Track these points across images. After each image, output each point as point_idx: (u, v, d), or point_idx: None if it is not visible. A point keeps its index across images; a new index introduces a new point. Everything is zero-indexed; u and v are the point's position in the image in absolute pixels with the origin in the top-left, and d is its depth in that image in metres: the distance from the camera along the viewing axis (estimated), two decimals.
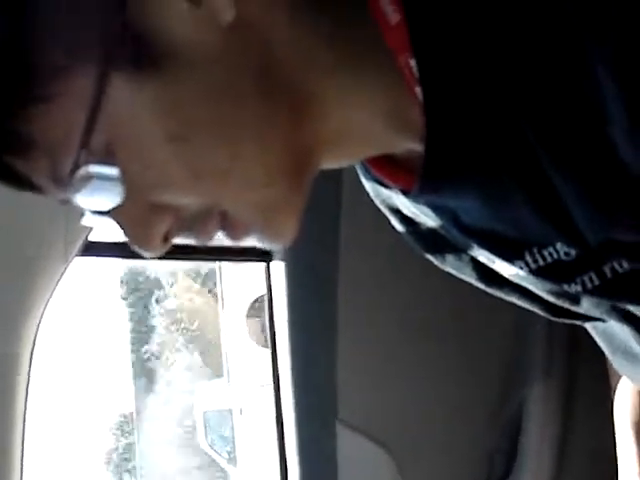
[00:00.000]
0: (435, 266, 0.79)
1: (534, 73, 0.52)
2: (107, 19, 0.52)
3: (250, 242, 0.65)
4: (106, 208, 0.57)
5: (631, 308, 0.67)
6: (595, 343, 0.81)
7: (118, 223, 0.59)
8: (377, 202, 0.76)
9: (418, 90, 0.55)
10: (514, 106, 0.53)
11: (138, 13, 0.52)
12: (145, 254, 0.60)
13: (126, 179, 0.55)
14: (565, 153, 0.54)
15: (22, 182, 0.59)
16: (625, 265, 0.62)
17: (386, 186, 0.71)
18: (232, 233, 0.60)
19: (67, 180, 0.55)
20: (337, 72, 0.57)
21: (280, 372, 1.50)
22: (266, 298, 1.55)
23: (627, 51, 0.48)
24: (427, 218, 0.71)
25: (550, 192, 0.56)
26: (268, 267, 1.55)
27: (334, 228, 1.44)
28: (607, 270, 0.62)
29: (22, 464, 1.11)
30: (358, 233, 1.43)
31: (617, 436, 1.19)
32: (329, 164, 0.62)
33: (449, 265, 0.75)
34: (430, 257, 0.77)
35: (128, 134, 0.54)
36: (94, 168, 0.54)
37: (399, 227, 0.77)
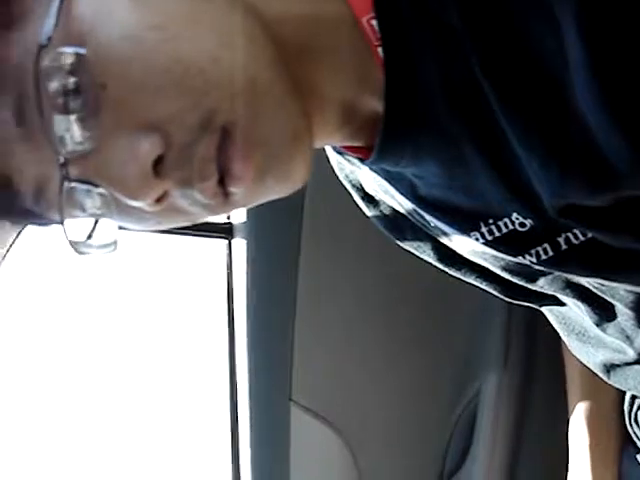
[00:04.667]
0: (397, 253, 0.78)
1: (493, 23, 0.51)
2: None
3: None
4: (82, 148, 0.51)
5: (584, 282, 0.67)
6: (552, 334, 0.81)
7: (96, 168, 0.52)
8: (341, 177, 0.75)
9: (380, 50, 0.56)
10: (472, 59, 0.53)
11: None
12: (138, 202, 0.52)
13: (107, 95, 0.51)
14: (524, 107, 0.53)
15: None
16: (580, 236, 0.62)
17: (348, 161, 0.70)
18: (235, 155, 0.52)
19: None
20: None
21: (236, 350, 1.49)
22: (226, 275, 1.53)
23: None
24: (386, 196, 0.71)
25: (508, 154, 0.55)
26: (230, 244, 1.53)
27: (298, 208, 1.43)
28: (562, 241, 0.62)
29: None
30: (321, 215, 1.42)
31: (570, 428, 1.20)
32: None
33: (409, 245, 0.75)
34: (391, 236, 0.76)
35: (106, 32, 0.51)
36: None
37: (361, 204, 0.76)
